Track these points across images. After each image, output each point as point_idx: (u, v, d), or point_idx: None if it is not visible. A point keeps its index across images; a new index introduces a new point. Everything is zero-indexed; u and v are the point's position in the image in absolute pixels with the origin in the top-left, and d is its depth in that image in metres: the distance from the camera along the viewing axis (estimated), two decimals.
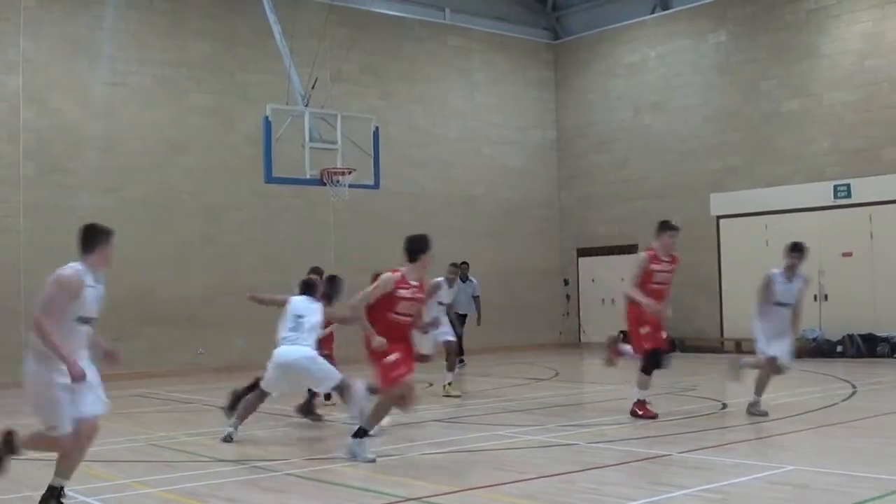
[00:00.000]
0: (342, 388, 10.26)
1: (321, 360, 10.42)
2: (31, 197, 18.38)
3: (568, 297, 25.83)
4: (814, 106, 21.28)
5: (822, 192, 20.82)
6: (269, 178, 16.89)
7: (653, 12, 24.67)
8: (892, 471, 7.99)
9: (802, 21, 21.60)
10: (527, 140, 25.86)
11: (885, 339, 19.34)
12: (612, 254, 24.51)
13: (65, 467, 6.88)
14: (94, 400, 6.84)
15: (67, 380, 6.55)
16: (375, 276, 9.94)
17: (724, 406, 12.65)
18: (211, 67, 20.71)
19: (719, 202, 22.56)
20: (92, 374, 6.81)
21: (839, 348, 19.69)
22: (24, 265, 18.00)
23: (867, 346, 19.33)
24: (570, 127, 26.15)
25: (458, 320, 18.93)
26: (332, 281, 11.87)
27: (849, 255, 19.92)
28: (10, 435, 6.99)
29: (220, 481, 8.20)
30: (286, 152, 16.83)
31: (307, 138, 16.72)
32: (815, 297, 20.20)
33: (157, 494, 7.74)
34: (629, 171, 24.59)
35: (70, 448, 6.79)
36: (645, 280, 11.45)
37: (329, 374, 10.37)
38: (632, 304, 11.59)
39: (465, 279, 19.49)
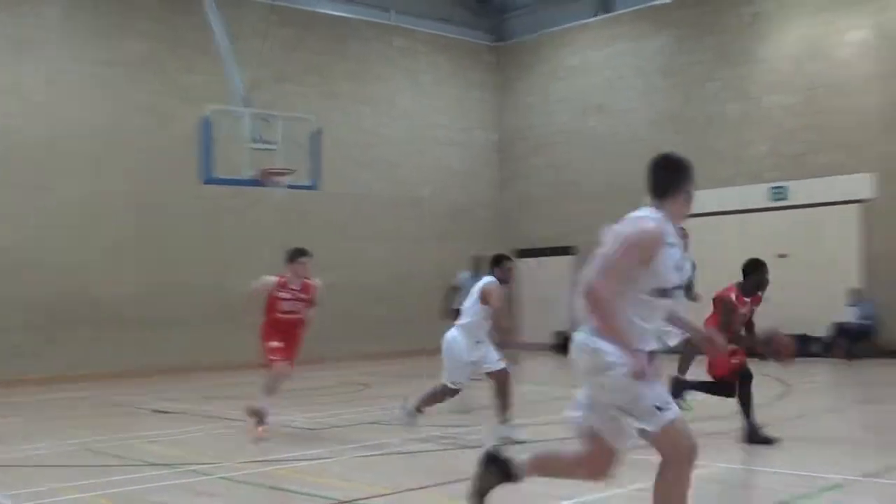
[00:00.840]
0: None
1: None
2: None
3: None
4: (753, 109, 21.58)
5: (759, 194, 21.12)
6: (209, 179, 16.75)
7: (595, 15, 24.84)
8: (822, 469, 8.15)
9: (744, 25, 21.88)
10: (470, 141, 25.93)
11: (819, 339, 19.66)
12: (551, 255, 24.64)
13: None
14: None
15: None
16: None
17: None
18: (151, 67, 20.51)
19: None
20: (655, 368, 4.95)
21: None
22: None
23: (801, 346, 19.57)
24: (511, 129, 26.26)
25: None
26: (758, 267, 10.57)
27: (784, 256, 20.17)
28: (504, 457, 5.49)
29: (154, 485, 8.14)
30: (226, 153, 16.69)
31: (247, 139, 16.60)
32: None
33: (90, 499, 7.66)
34: (569, 173, 24.73)
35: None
36: None
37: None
38: None
39: (477, 276, 19.23)
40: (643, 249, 4.83)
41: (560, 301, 24.20)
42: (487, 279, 10.49)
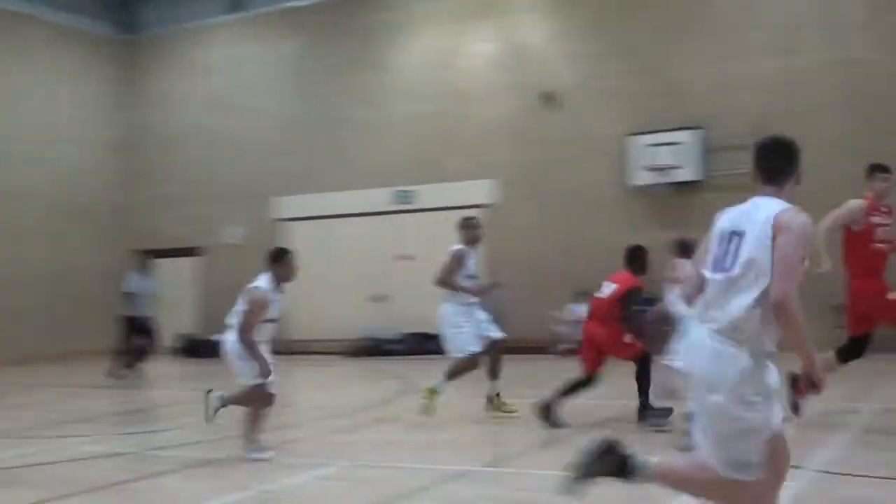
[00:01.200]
0: None
1: None
2: None
3: None
4: (383, 115, 22.08)
5: (386, 197, 21.70)
6: None
7: (227, 14, 24.44)
8: (441, 461, 8.43)
9: (376, 32, 22.35)
10: (96, 138, 24.60)
11: (435, 337, 20.45)
12: (177, 255, 23.95)
13: None
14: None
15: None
16: None
17: (287, 406, 12.76)
18: None
19: (285, 205, 22.74)
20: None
21: (399, 346, 20.55)
22: None
23: (424, 345, 20.30)
24: (139, 125, 25.25)
25: (140, 327, 16.95)
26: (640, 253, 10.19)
27: (410, 257, 20.84)
28: (625, 453, 4.68)
29: None
30: None
31: None
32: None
33: None
34: (197, 172, 24.18)
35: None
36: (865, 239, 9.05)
37: None
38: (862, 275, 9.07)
39: (143, 275, 17.53)
40: (805, 246, 4.25)
41: (185, 303, 23.63)
42: (258, 284, 8.79)
